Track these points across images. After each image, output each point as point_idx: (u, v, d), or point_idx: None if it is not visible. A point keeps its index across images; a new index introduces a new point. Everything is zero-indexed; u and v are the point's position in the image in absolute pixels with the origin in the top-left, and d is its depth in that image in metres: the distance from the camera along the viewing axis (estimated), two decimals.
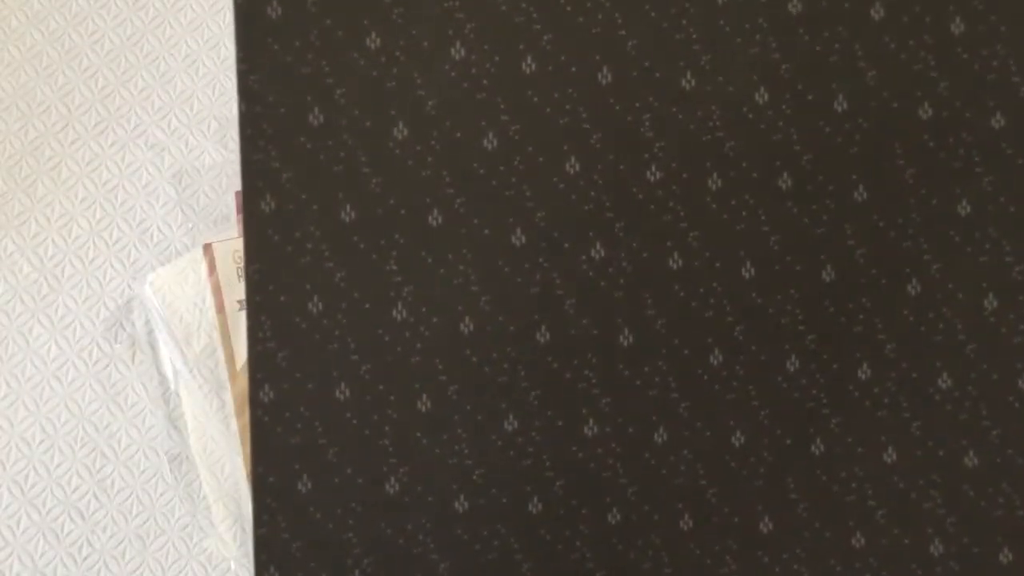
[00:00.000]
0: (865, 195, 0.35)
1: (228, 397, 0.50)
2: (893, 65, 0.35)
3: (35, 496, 0.51)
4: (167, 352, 0.52)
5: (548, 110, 0.34)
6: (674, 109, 0.35)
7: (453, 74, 0.35)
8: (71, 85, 0.58)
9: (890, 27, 0.35)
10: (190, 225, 0.55)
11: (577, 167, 0.35)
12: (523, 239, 0.34)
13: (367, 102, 0.34)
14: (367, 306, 0.34)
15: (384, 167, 0.35)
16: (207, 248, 0.53)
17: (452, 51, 0.35)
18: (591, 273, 0.35)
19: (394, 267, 0.34)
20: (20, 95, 0.58)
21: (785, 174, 0.35)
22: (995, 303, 0.35)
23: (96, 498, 0.51)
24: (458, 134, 0.35)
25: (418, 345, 0.34)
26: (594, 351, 0.34)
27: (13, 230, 0.55)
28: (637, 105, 0.35)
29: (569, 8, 0.35)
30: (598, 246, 0.35)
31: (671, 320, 0.34)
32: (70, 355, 0.53)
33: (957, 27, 0.35)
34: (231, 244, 0.53)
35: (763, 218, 0.35)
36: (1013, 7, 0.35)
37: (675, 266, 0.35)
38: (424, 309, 0.34)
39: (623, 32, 0.35)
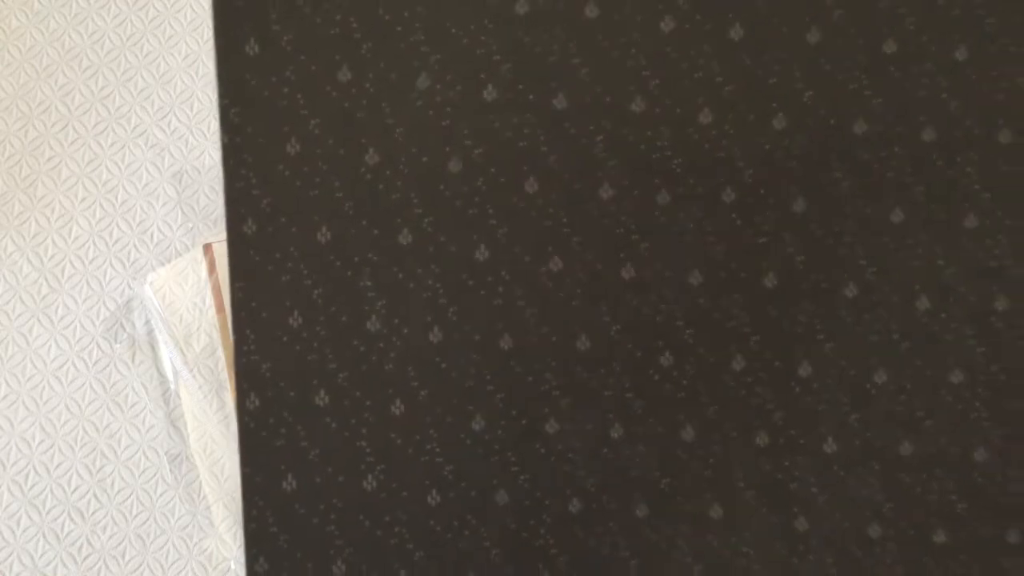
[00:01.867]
0: (804, 206, 0.37)
1: (228, 397, 0.50)
2: (829, 84, 0.37)
3: (35, 496, 0.51)
4: (167, 352, 0.52)
5: (508, 134, 0.37)
6: (624, 131, 0.37)
7: (419, 103, 0.37)
8: (71, 85, 0.58)
9: (826, 49, 0.37)
10: (190, 225, 0.55)
11: (536, 186, 0.37)
12: (486, 254, 0.37)
13: (340, 131, 0.37)
14: (343, 319, 0.37)
15: (356, 191, 0.37)
16: (207, 248, 0.53)
17: (418, 81, 0.37)
18: (550, 284, 0.37)
19: (368, 283, 0.37)
20: (20, 95, 0.58)
21: (729, 188, 0.37)
22: (927, 303, 0.36)
23: (96, 498, 0.51)
24: (425, 158, 0.37)
25: (391, 354, 0.37)
26: (554, 356, 0.37)
27: (13, 230, 0.55)
28: (590, 128, 0.37)
29: (526, 39, 0.37)
30: (556, 259, 0.37)
31: (624, 326, 0.37)
32: (70, 355, 0.53)
33: (889, 47, 0.37)
34: None
35: (709, 229, 0.37)
36: (940, 27, 0.37)
37: (627, 276, 0.37)
38: (396, 321, 0.37)
39: (576, 60, 0.37)
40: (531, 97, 0.37)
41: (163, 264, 0.54)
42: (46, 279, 0.54)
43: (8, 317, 0.54)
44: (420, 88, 0.37)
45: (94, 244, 0.55)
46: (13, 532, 0.51)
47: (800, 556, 0.36)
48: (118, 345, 0.53)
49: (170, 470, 0.51)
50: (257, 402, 0.37)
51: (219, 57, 0.37)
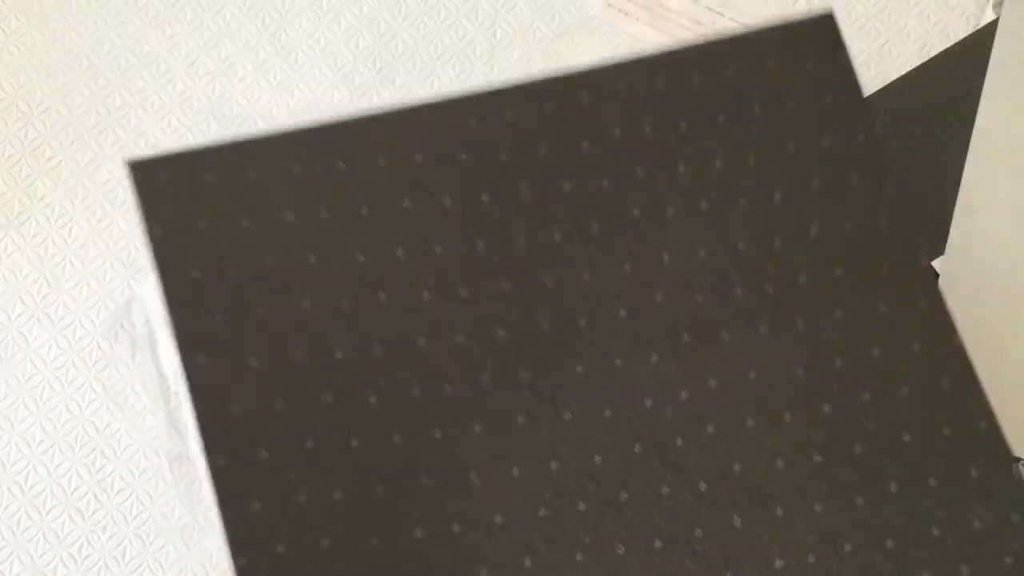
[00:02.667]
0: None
1: None
2: None
3: (35, 496, 0.51)
4: (167, 352, 0.52)
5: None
6: None
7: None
8: (71, 85, 0.58)
9: None
10: None
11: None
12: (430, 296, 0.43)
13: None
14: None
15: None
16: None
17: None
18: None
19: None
20: (20, 95, 0.58)
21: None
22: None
23: (96, 498, 0.51)
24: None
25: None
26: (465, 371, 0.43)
27: (13, 230, 0.55)
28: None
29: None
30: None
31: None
32: (70, 355, 0.53)
33: None
34: None
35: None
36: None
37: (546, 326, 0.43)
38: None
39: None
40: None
41: None
42: (46, 279, 0.54)
43: (8, 317, 0.54)
44: None
45: (94, 244, 0.55)
46: (13, 532, 0.51)
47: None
48: (118, 345, 0.53)
49: (170, 470, 0.51)
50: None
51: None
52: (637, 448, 0.43)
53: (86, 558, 0.50)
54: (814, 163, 0.45)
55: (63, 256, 0.55)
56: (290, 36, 0.58)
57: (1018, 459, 0.48)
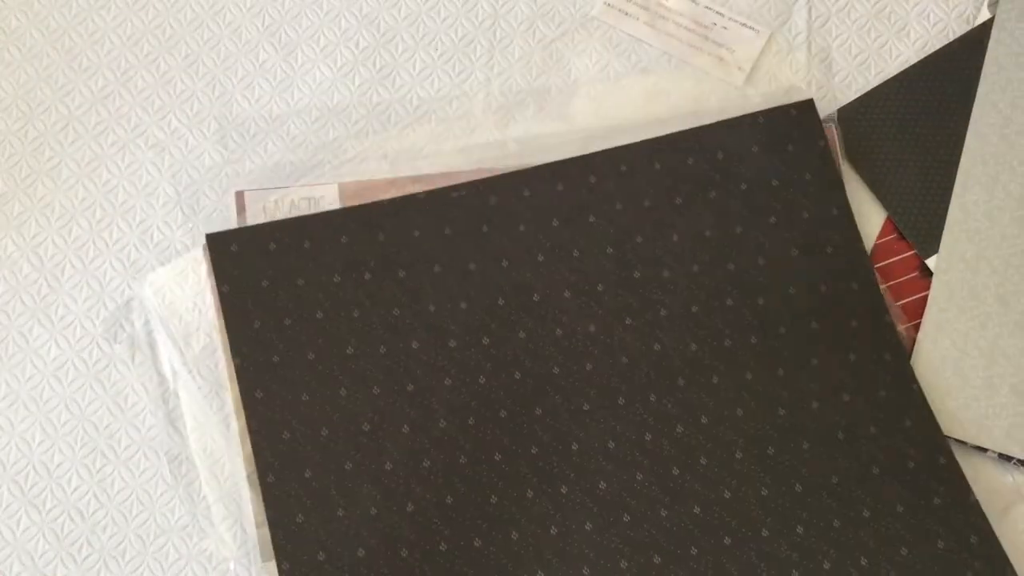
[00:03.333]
0: None
1: (228, 397, 0.50)
2: None
3: (35, 496, 0.51)
4: (166, 352, 0.52)
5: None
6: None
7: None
8: (71, 85, 0.58)
9: None
10: (190, 225, 0.55)
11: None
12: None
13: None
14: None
15: None
16: (207, 248, 0.53)
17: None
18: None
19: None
20: (20, 95, 0.58)
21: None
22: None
23: (96, 498, 0.51)
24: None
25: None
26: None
27: (13, 230, 0.55)
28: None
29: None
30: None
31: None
32: (70, 355, 0.53)
33: None
34: None
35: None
36: None
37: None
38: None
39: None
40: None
41: (163, 264, 0.54)
42: (46, 279, 0.54)
43: (8, 317, 0.54)
44: None
45: (94, 244, 0.55)
46: (13, 532, 0.51)
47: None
48: (118, 345, 0.53)
49: (170, 470, 0.51)
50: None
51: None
52: (639, 476, 0.48)
53: (86, 558, 0.50)
54: (794, 233, 0.52)
55: (63, 256, 0.55)
56: (290, 36, 0.58)
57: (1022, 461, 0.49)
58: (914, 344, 0.51)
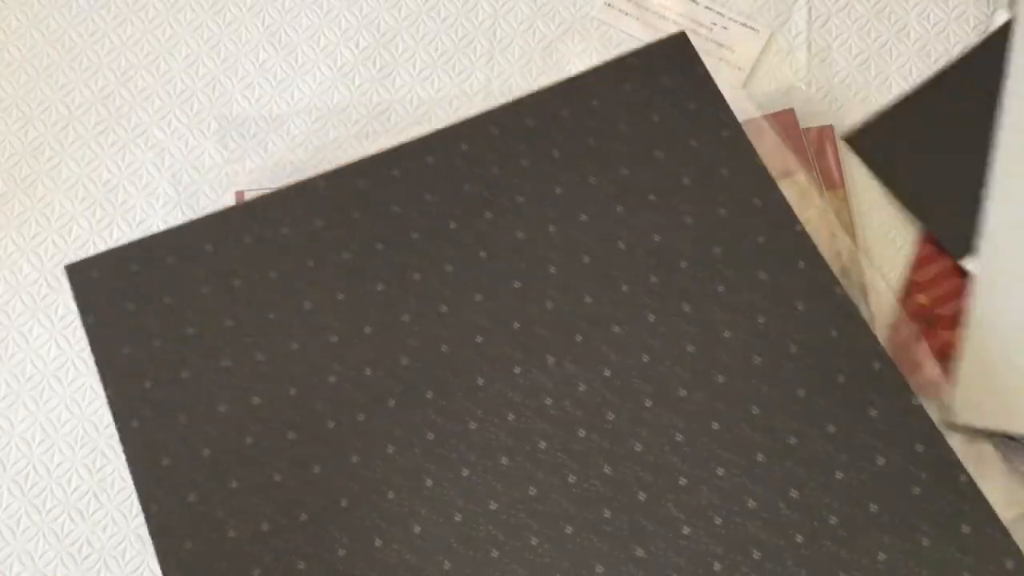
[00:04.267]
0: None
1: None
2: None
3: (35, 496, 0.51)
4: None
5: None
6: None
7: None
8: (71, 85, 0.58)
9: None
10: None
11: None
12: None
13: None
14: None
15: None
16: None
17: None
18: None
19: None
20: (20, 95, 0.58)
21: None
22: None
23: (96, 498, 0.51)
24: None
25: None
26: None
27: (13, 230, 0.55)
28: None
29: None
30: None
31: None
32: (70, 355, 0.53)
33: None
34: None
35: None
36: None
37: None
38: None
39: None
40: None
41: None
42: (46, 279, 0.54)
43: (8, 317, 0.54)
44: None
45: (94, 244, 0.55)
46: (13, 532, 0.51)
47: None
48: None
49: None
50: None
51: None
52: (542, 444, 0.46)
53: (86, 558, 0.50)
54: (684, 162, 0.50)
55: (63, 256, 0.55)
56: (290, 36, 0.58)
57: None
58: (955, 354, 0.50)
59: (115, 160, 0.56)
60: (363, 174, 0.50)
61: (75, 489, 0.51)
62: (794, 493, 0.44)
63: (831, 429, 0.45)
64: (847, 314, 0.46)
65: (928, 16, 0.58)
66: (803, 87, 0.56)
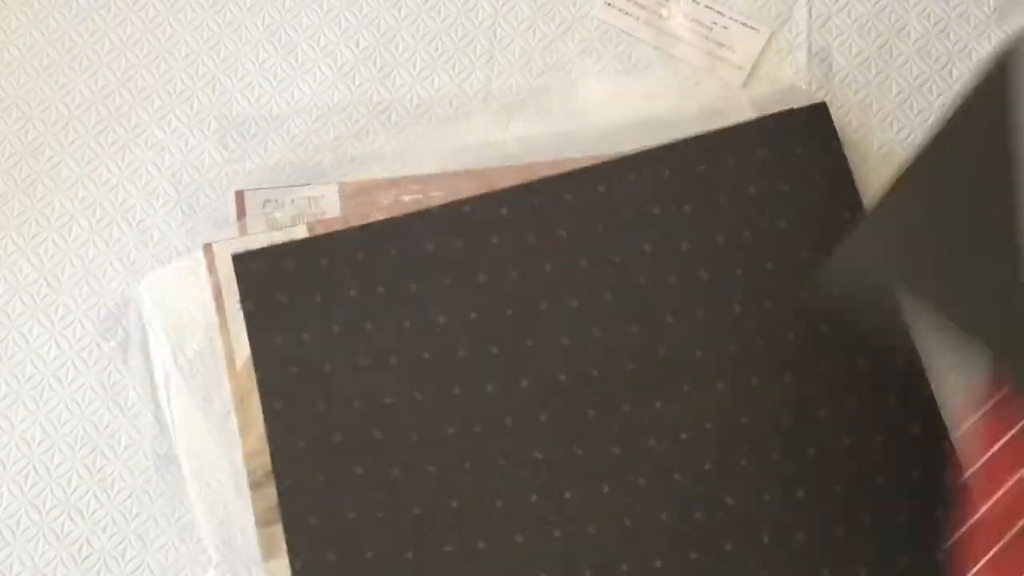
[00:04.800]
0: None
1: (225, 396, 0.50)
2: None
3: (35, 496, 0.51)
4: (159, 354, 0.52)
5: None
6: None
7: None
8: (71, 85, 0.58)
9: None
10: (190, 225, 0.55)
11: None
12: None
13: None
14: None
15: None
16: (207, 248, 0.53)
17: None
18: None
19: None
20: (20, 95, 0.58)
21: None
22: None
23: (96, 498, 0.51)
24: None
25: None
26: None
27: (13, 230, 0.55)
28: None
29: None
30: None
31: None
32: (70, 355, 0.53)
33: None
34: (231, 244, 0.53)
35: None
36: None
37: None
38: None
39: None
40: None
41: (163, 264, 0.54)
42: (46, 279, 0.54)
43: (8, 317, 0.54)
44: None
45: (94, 244, 0.55)
46: (13, 532, 0.51)
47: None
48: (112, 343, 0.53)
49: (155, 469, 0.51)
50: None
51: None
52: (641, 482, 0.49)
53: (86, 558, 0.50)
54: (805, 236, 0.53)
55: (63, 256, 0.55)
56: (290, 36, 0.58)
57: None
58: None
59: (115, 160, 0.56)
60: (506, 203, 0.53)
61: (75, 489, 0.51)
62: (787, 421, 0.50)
63: (821, 368, 0.51)
64: (939, 430, 0.51)
65: (929, 15, 0.57)
66: (803, 87, 0.56)
